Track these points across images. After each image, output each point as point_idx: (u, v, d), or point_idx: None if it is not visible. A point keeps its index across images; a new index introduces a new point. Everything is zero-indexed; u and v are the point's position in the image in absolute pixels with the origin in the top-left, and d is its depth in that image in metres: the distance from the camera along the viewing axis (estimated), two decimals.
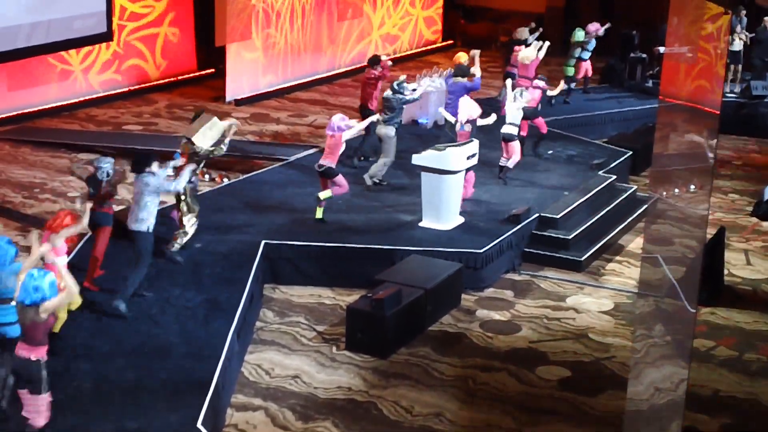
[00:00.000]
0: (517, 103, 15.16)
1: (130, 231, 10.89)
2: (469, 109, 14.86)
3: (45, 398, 8.05)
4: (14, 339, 8.38)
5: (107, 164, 11.39)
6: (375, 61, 16.30)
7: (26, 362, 7.94)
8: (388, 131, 14.91)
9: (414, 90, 15.24)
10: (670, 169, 9.53)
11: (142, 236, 10.85)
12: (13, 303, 8.40)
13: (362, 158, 15.92)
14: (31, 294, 7.85)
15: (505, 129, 15.12)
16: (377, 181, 14.93)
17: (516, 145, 15.11)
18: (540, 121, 16.38)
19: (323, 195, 13.41)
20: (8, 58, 18.74)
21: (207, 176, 15.03)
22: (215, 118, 12.57)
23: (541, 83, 16.95)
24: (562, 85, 18.31)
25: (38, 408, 8.04)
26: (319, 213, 13.44)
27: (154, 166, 10.95)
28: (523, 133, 15.98)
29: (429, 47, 26.89)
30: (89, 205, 10.65)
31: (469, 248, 12.84)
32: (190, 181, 12.01)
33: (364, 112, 15.95)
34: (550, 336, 11.83)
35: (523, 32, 20.14)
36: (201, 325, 10.75)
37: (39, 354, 7.94)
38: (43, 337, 7.97)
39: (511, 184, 15.15)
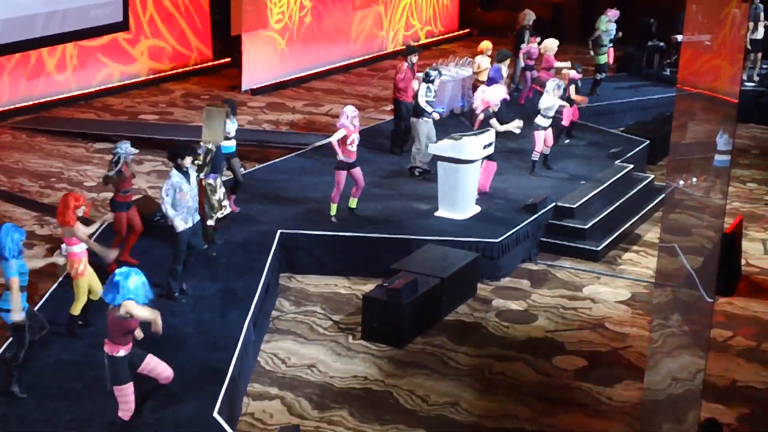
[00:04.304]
0: (550, 96, 14.93)
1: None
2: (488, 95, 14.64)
3: (120, 389, 8.27)
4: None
5: (124, 147, 11.43)
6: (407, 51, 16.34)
7: (104, 354, 8.26)
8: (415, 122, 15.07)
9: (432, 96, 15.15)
10: (687, 158, 9.48)
11: (173, 232, 10.96)
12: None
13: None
14: (107, 292, 8.09)
15: (536, 119, 15.05)
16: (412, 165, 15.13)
17: (536, 135, 14.98)
18: (566, 111, 16.25)
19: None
20: (25, 48, 18.80)
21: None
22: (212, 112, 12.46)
23: (575, 73, 16.74)
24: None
25: (119, 399, 8.32)
26: (352, 203, 13.40)
27: (186, 161, 10.81)
28: (573, 119, 16.44)
29: (445, 36, 26.81)
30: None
31: (486, 238, 12.82)
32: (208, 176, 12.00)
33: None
34: (567, 326, 11.80)
35: (530, 16, 19.79)
36: (217, 315, 10.78)
37: (110, 349, 8.18)
38: (116, 335, 8.17)
39: (527, 173, 15.10)
